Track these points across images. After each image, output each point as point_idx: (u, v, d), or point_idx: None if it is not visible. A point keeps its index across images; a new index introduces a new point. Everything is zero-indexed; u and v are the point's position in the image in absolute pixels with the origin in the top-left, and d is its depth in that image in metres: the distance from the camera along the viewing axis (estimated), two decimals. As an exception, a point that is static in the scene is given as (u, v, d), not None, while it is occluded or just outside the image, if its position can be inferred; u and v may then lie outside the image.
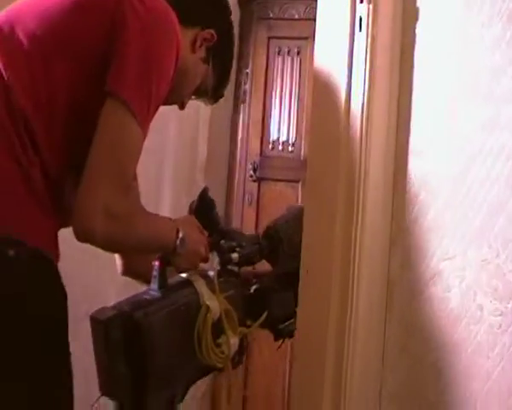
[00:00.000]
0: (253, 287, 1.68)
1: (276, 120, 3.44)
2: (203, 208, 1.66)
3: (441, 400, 1.57)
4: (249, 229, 3.21)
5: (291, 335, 1.71)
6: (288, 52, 3.53)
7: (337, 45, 1.99)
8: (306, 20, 3.50)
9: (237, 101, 3.74)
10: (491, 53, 1.64)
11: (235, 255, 1.59)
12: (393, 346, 1.66)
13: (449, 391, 1.56)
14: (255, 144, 3.57)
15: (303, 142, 3.40)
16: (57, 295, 1.43)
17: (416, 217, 1.75)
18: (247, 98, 3.71)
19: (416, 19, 1.88)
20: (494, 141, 1.60)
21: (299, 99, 3.45)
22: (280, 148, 3.41)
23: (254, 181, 3.33)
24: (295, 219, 1.71)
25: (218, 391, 3.29)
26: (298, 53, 3.55)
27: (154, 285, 1.45)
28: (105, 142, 1.40)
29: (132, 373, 1.37)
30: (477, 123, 1.65)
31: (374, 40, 1.91)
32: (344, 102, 1.93)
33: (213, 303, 1.44)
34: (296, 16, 3.59)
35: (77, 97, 1.45)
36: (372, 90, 1.89)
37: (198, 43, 1.64)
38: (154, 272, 1.45)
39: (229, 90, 3.65)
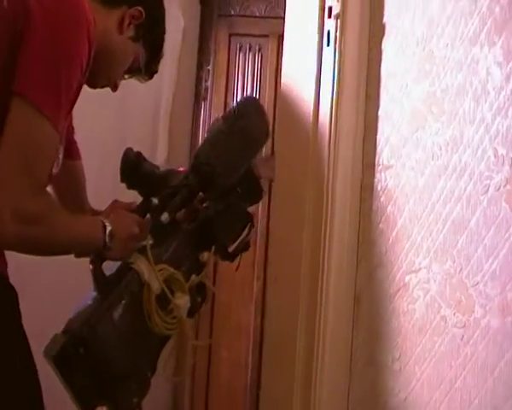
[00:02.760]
0: (197, 222, 1.60)
1: (238, 116, 3.45)
2: (130, 168, 1.59)
3: (405, 407, 1.65)
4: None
5: (245, 249, 1.64)
6: (250, 49, 3.54)
7: (305, 59, 2.04)
8: (267, 18, 3.52)
9: (198, 97, 3.75)
10: (454, 74, 1.71)
11: (164, 216, 1.52)
12: (360, 356, 1.73)
13: (413, 399, 1.64)
14: (216, 141, 3.59)
15: (264, 139, 3.42)
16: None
17: (382, 230, 1.82)
18: (209, 95, 3.71)
19: (383, 35, 1.94)
20: (458, 159, 1.67)
21: (261, 96, 3.47)
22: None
23: (216, 178, 3.34)
24: (217, 135, 1.57)
25: (180, 383, 3.33)
26: (259, 50, 3.56)
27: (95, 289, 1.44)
28: (11, 143, 1.37)
29: (97, 382, 1.41)
30: (442, 141, 1.72)
31: (341, 54, 1.96)
32: (312, 115, 1.99)
33: (152, 279, 1.45)
34: (257, 14, 3.60)
35: None
36: (339, 103, 1.94)
37: (126, 22, 1.59)
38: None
39: (190, 87, 3.67)
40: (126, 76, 1.71)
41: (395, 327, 1.72)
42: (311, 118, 1.98)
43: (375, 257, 1.81)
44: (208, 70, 3.72)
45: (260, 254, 3.11)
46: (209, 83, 3.74)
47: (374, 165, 1.90)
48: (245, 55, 3.58)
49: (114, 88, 1.69)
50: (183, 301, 1.48)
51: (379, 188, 1.86)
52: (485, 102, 1.60)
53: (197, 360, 3.25)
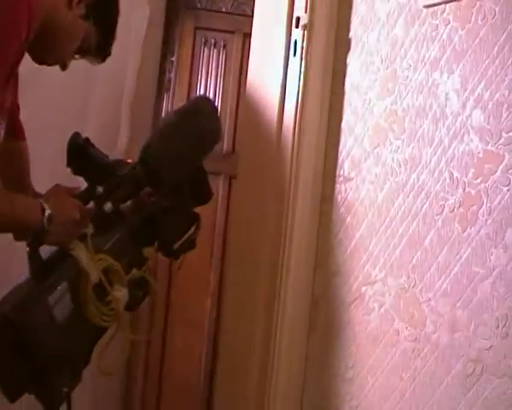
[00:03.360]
0: (141, 216, 1.59)
1: (200, 111, 3.47)
2: (77, 153, 1.55)
3: (357, 413, 1.72)
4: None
5: (190, 248, 1.63)
6: (215, 44, 3.55)
7: (271, 67, 2.07)
8: (234, 14, 3.53)
9: (161, 88, 3.74)
10: (415, 95, 1.77)
11: (107, 206, 1.49)
12: (315, 362, 1.79)
13: (364, 407, 1.71)
14: (178, 134, 3.59)
15: (225, 135, 3.45)
16: None
17: (340, 240, 1.88)
18: (171, 87, 3.71)
19: (348, 49, 1.99)
20: (416, 178, 1.73)
21: (223, 92, 3.49)
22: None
23: (176, 172, 3.36)
24: (168, 129, 1.54)
25: (133, 372, 3.35)
26: (224, 46, 3.57)
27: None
28: None
29: (26, 369, 1.38)
30: (402, 159, 1.78)
31: (307, 65, 2.00)
32: (276, 121, 2.03)
33: (90, 267, 1.42)
34: (224, 9, 3.60)
35: None
36: (303, 113, 1.99)
37: (75, 0, 1.55)
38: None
39: (153, 77, 3.66)
40: (77, 56, 1.67)
41: (350, 336, 1.78)
42: (274, 124, 2.02)
43: (333, 265, 1.87)
44: (172, 61, 3.72)
45: (218, 248, 3.15)
46: (172, 75, 3.74)
47: (335, 176, 1.95)
48: (209, 49, 3.59)
49: (63, 67, 1.65)
50: (120, 293, 1.46)
51: (339, 199, 1.92)
52: (443, 125, 1.66)
53: (151, 352, 3.28)
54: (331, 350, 1.79)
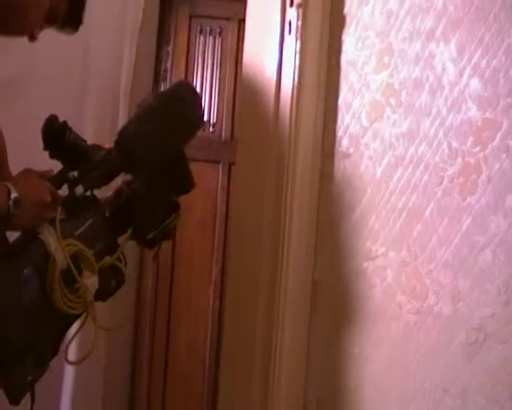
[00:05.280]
0: (116, 203, 1.54)
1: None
2: (53, 136, 1.50)
3: (362, 389, 1.72)
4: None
5: (167, 238, 1.58)
6: (210, 32, 3.53)
7: (267, 46, 2.06)
8: (228, 0, 3.52)
9: (158, 78, 3.73)
10: (412, 67, 1.76)
11: (78, 190, 1.45)
12: (319, 340, 1.78)
13: (369, 382, 1.70)
14: (175, 123, 3.58)
15: (224, 122, 3.44)
16: None
17: (340, 217, 1.87)
18: (168, 76, 3.70)
19: (343, 26, 1.98)
20: (414, 151, 1.72)
21: (221, 80, 3.48)
22: (206, 129, 3.44)
23: (175, 161, 3.35)
24: (146, 113, 1.48)
25: (138, 363, 3.35)
26: (220, 33, 3.56)
27: None
28: None
29: None
30: (399, 132, 1.77)
31: (303, 44, 1.99)
32: (273, 103, 2.01)
33: (59, 252, 1.37)
34: (218, -4, 3.59)
35: None
36: (300, 92, 1.98)
37: None
38: None
39: (149, 67, 3.65)
40: (46, 25, 1.58)
41: (353, 312, 1.77)
42: (272, 105, 2.01)
43: (334, 243, 1.86)
44: (168, 51, 3.71)
45: (219, 238, 3.14)
46: (169, 64, 3.72)
47: (333, 153, 1.94)
48: (205, 37, 3.58)
49: (32, 38, 1.58)
50: (90, 280, 1.41)
51: (338, 176, 1.91)
52: (441, 96, 1.65)
53: (155, 342, 3.28)
54: (334, 328, 1.78)
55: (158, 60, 3.66)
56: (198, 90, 3.60)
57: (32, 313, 1.36)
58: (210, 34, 3.59)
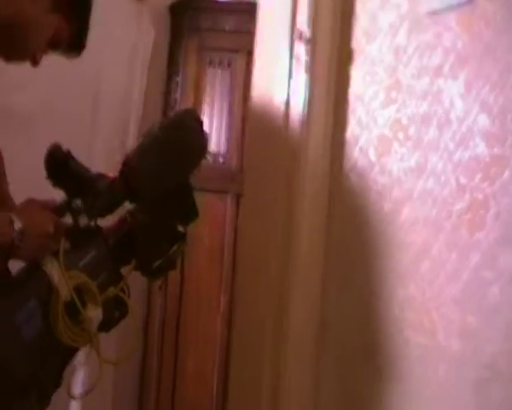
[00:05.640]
0: (120, 233, 1.52)
1: (207, 130, 3.49)
2: (56, 165, 1.49)
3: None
4: (179, 239, 3.25)
5: (171, 268, 1.55)
6: (219, 64, 3.57)
7: (275, 80, 2.08)
8: (237, 32, 3.55)
9: (167, 109, 3.76)
10: (420, 102, 1.77)
11: (83, 220, 1.44)
12: (326, 379, 1.77)
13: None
14: (185, 154, 3.60)
15: (233, 153, 3.46)
16: None
17: (348, 252, 1.88)
18: (177, 107, 3.73)
19: (351, 60, 2.00)
20: (422, 186, 1.72)
21: (230, 111, 3.51)
22: (210, 159, 3.46)
23: (184, 191, 3.36)
24: (150, 142, 1.47)
25: (146, 394, 3.33)
26: (229, 65, 3.59)
27: None
28: None
29: None
30: (407, 167, 1.77)
31: (311, 77, 2.01)
32: (281, 136, 2.03)
33: (62, 284, 1.35)
34: (227, 28, 3.63)
35: None
36: (309, 126, 1.99)
37: None
38: None
39: (159, 98, 3.69)
40: (49, 50, 1.56)
41: (361, 349, 1.77)
42: (280, 138, 2.02)
43: (341, 280, 1.86)
44: (177, 82, 3.74)
45: (228, 269, 3.15)
46: (178, 95, 3.76)
47: (341, 188, 1.95)
48: (214, 69, 3.61)
49: (34, 63, 1.56)
50: (94, 313, 1.39)
51: (346, 211, 1.91)
52: (449, 131, 1.66)
53: (163, 371, 3.27)
54: (342, 367, 1.77)
55: (167, 91, 3.70)
56: (207, 121, 3.63)
57: (34, 346, 1.35)
58: (219, 66, 3.62)
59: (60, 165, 1.49)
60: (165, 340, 3.24)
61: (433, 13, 1.73)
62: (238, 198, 3.16)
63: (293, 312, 1.84)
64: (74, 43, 1.58)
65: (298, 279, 1.89)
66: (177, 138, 1.47)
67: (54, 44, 1.55)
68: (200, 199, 3.60)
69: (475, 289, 1.53)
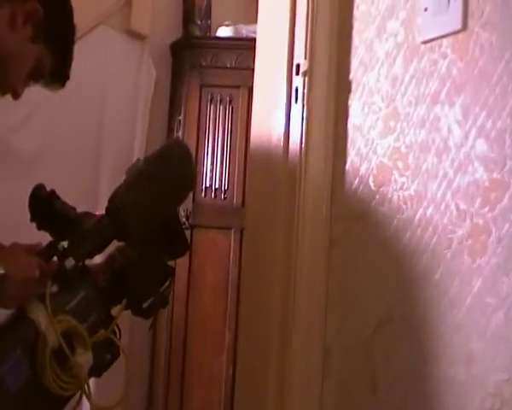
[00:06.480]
0: (109, 272, 1.47)
1: (209, 167, 3.51)
2: (40, 206, 1.43)
3: None
4: (182, 277, 3.25)
5: (162, 305, 1.50)
6: (221, 100, 3.60)
7: (274, 114, 2.09)
8: (238, 69, 3.59)
9: (170, 147, 3.77)
10: (418, 130, 1.77)
11: (69, 262, 1.39)
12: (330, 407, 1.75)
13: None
14: (188, 192, 3.62)
15: (235, 189, 3.47)
16: None
17: (349, 282, 1.86)
18: (180, 145, 3.74)
19: (349, 91, 2.00)
20: (423, 213, 1.72)
21: (231, 147, 3.53)
22: (212, 195, 3.47)
23: (187, 228, 3.38)
24: (136, 178, 1.43)
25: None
26: (230, 101, 3.62)
27: None
28: None
29: None
30: (407, 195, 1.76)
31: (309, 110, 2.01)
32: (280, 169, 2.03)
33: (49, 330, 1.29)
34: (228, 65, 3.67)
35: None
36: (308, 158, 1.99)
37: (19, 20, 1.39)
38: None
39: (161, 137, 3.71)
40: (31, 82, 1.53)
41: (365, 378, 1.74)
42: (279, 171, 2.02)
43: (344, 309, 1.84)
44: (180, 120, 3.77)
45: (232, 305, 3.13)
46: (180, 132, 3.78)
47: (342, 219, 1.94)
48: (216, 105, 3.64)
49: (15, 96, 1.51)
50: (84, 358, 1.33)
51: (347, 241, 1.90)
52: (447, 158, 1.65)
53: (169, 407, 3.24)
54: (346, 395, 1.75)
55: (170, 129, 3.73)
56: (209, 157, 3.65)
57: (21, 396, 1.29)
58: (220, 103, 3.65)
59: (44, 206, 1.44)
60: (171, 377, 3.22)
61: (429, 40, 1.74)
62: (242, 233, 3.16)
63: (297, 342, 1.82)
64: (57, 74, 1.54)
65: (301, 312, 1.87)
66: (163, 169, 1.43)
67: (36, 76, 1.51)
68: (205, 235, 3.61)
69: (479, 315, 1.51)
